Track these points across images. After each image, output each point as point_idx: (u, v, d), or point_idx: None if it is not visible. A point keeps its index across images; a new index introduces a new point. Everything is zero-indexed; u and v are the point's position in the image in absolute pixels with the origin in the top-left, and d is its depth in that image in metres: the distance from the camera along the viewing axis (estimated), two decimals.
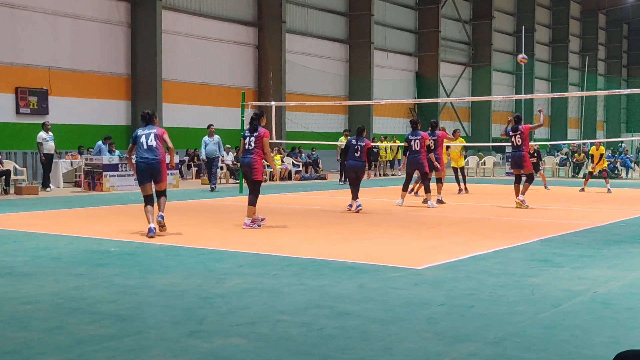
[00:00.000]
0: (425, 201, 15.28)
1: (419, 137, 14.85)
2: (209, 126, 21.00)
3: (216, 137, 20.45)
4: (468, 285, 6.66)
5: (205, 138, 20.44)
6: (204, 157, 20.59)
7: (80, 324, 5.20)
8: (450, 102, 44.85)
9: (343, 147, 15.23)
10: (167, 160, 10.29)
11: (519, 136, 14.83)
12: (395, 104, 36.04)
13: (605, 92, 28.97)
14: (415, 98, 41.01)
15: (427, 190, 14.96)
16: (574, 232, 10.79)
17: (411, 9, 43.00)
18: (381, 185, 23.17)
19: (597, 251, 8.84)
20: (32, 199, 17.10)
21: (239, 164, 19.41)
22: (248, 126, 11.26)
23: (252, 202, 10.94)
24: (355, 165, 13.88)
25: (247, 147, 11.00)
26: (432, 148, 15.53)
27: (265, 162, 11.70)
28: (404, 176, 15.48)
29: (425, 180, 15.09)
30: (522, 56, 18.58)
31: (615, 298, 6.15)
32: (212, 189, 19.71)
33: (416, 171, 15.02)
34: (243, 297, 6.10)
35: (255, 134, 10.98)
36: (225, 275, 7.11)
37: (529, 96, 26.51)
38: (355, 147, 13.83)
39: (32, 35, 23.67)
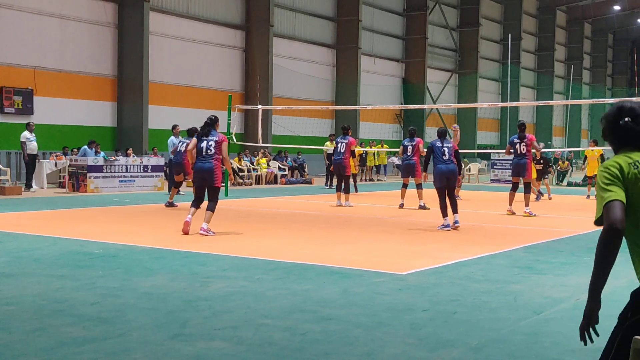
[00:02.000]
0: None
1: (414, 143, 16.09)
2: (175, 127, 18.64)
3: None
4: (451, 291, 6.69)
5: (174, 139, 17.96)
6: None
7: (62, 326, 5.17)
8: (437, 109, 45.00)
9: (330, 151, 15.57)
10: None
11: (524, 144, 14.78)
12: (381, 109, 36.14)
13: (590, 101, 29.27)
14: (401, 104, 41.12)
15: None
16: (557, 240, 10.85)
17: (399, 15, 43.15)
18: (367, 191, 23.19)
19: (580, 258, 8.90)
20: (15, 199, 16.97)
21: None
22: (200, 129, 10.97)
23: (212, 208, 10.58)
24: (337, 162, 15.79)
25: (205, 152, 10.66)
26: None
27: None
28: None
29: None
30: (455, 127, 18.63)
31: None
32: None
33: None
34: (226, 301, 6.09)
35: (215, 138, 10.72)
36: (209, 278, 7.09)
37: (514, 104, 26.72)
38: (339, 145, 15.78)
39: (18, 35, 23.52)
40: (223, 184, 13.12)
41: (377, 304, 6.09)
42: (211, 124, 10.84)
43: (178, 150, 15.80)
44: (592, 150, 21.13)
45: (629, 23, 68.61)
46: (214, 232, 10.59)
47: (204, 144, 10.71)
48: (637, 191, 2.93)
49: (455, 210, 11.90)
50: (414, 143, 16.01)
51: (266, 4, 31.86)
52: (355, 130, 37.14)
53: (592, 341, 2.97)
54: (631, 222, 2.96)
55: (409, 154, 16.10)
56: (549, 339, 5.08)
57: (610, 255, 2.93)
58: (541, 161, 20.42)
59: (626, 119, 3.15)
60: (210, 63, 30.66)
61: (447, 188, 11.85)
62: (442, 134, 12.40)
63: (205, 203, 10.83)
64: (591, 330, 3.02)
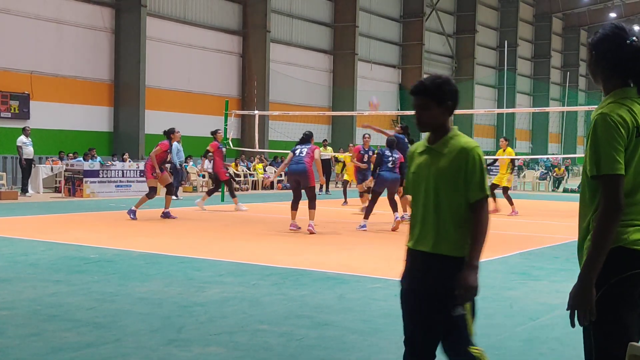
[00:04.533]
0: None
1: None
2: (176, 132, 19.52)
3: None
4: None
5: (177, 144, 18.61)
6: (178, 165, 19.90)
7: (58, 331, 5.16)
8: None
9: (326, 157, 15.21)
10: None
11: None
12: (378, 115, 36.15)
13: (586, 108, 29.34)
14: (398, 110, 41.18)
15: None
16: (552, 246, 10.87)
17: (396, 22, 43.25)
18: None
19: (575, 265, 8.83)
20: (11, 204, 16.94)
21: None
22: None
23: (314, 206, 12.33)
24: (296, 171, 12.39)
25: (297, 155, 12.32)
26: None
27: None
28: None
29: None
30: (374, 101, 17.69)
31: None
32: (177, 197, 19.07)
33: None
34: (222, 306, 6.08)
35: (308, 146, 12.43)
36: (205, 283, 7.08)
37: (510, 110, 26.72)
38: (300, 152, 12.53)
39: (15, 39, 23.50)
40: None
41: (373, 309, 6.09)
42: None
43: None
44: None
45: None
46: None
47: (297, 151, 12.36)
48: (636, 162, 2.67)
49: (395, 209, 12.71)
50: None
51: (263, 10, 31.91)
52: (351, 136, 37.18)
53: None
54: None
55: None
56: (545, 345, 5.08)
57: (613, 234, 2.66)
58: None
59: (634, 38, 2.69)
60: (207, 68, 30.67)
61: (388, 194, 12.80)
62: (390, 144, 13.09)
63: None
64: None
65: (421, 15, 43.09)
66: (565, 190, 28.81)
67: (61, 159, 22.59)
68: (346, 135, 37.06)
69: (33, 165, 20.44)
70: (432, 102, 3.31)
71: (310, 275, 7.73)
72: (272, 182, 27.01)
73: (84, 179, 19.49)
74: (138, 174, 20.79)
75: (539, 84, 60.12)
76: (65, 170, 20.18)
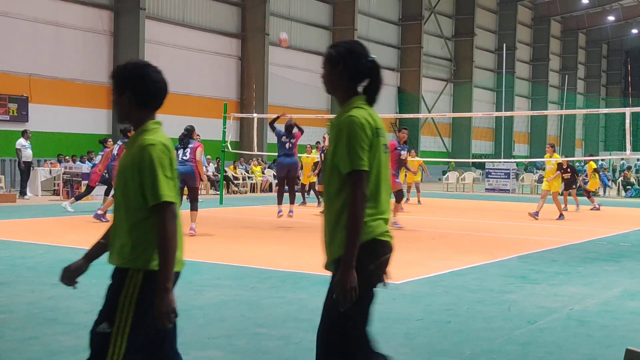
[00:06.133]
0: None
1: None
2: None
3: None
4: (445, 300, 6.69)
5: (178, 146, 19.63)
6: None
7: (56, 335, 5.15)
8: (432, 118, 45.09)
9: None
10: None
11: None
12: None
13: (585, 111, 29.39)
14: (396, 113, 41.19)
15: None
16: (551, 249, 10.87)
17: (394, 25, 43.29)
18: None
19: (574, 268, 8.92)
20: (9, 206, 16.92)
21: (219, 175, 19.32)
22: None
23: (197, 208, 11.67)
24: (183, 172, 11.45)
25: (180, 157, 11.74)
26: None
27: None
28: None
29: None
30: (284, 36, 17.42)
31: (591, 316, 6.21)
32: None
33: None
34: (221, 309, 6.08)
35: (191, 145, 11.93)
36: (203, 287, 7.08)
37: (509, 113, 26.72)
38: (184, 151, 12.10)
39: (13, 42, 23.50)
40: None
41: (371, 313, 6.08)
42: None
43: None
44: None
45: (623, 34, 68.98)
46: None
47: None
48: (377, 159, 3.00)
49: (292, 202, 12.83)
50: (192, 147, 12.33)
51: (262, 13, 31.94)
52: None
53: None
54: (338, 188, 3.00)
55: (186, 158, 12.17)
56: (543, 348, 5.08)
57: (363, 221, 2.96)
58: (568, 170, 19.48)
59: (373, 56, 3.10)
60: (206, 71, 30.69)
61: (287, 179, 13.03)
62: (288, 128, 13.25)
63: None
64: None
65: (420, 18, 43.14)
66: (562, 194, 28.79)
67: (60, 161, 22.58)
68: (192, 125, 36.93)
69: (32, 168, 20.44)
70: (115, 91, 3.09)
71: (309, 278, 7.73)
72: (270, 185, 27.02)
73: (83, 182, 19.46)
74: None
75: (538, 87, 60.19)
76: (64, 173, 20.16)
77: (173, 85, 20.02)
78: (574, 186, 20.35)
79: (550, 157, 17.01)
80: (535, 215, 15.98)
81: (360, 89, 3.15)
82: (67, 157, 22.72)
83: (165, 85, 3.14)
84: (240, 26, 32.31)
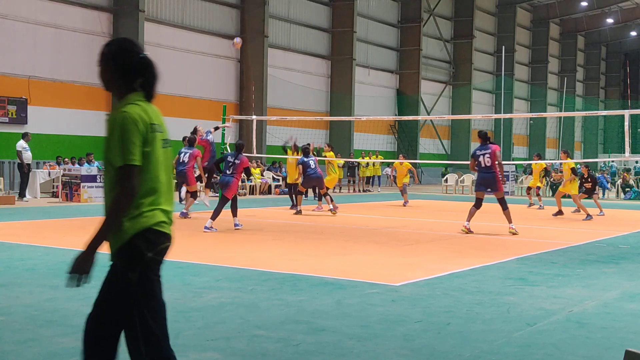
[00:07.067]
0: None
1: (489, 152, 13.15)
2: (185, 138, 20.22)
3: None
4: (445, 302, 6.69)
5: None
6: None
7: (55, 337, 5.15)
8: (431, 120, 45.12)
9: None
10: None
11: (488, 156, 13.16)
12: (376, 120, 36.22)
13: (583, 113, 29.37)
14: (396, 115, 41.22)
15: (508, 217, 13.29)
16: (549, 251, 10.87)
17: (393, 27, 43.32)
18: (360, 202, 23.22)
19: (573, 270, 8.92)
20: (8, 208, 16.91)
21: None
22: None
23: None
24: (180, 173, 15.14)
25: (181, 159, 13.26)
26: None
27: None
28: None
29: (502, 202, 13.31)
30: (237, 40, 19.26)
31: (590, 317, 6.21)
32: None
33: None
34: (220, 312, 6.08)
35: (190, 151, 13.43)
36: (202, 289, 7.07)
37: (508, 115, 26.75)
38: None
39: (13, 44, 23.51)
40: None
41: (371, 315, 6.08)
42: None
43: (180, 160, 15.51)
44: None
45: (621, 36, 69.07)
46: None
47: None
48: (154, 153, 3.13)
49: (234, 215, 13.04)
50: (489, 152, 13.13)
51: (261, 15, 31.97)
52: (349, 141, 37.20)
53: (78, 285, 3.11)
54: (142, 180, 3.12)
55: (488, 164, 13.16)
56: (542, 350, 5.08)
57: (125, 215, 3.08)
58: (589, 179, 20.21)
59: (146, 53, 3.23)
60: (205, 73, 30.70)
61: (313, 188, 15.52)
62: (239, 147, 13.62)
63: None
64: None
65: (419, 20, 43.18)
66: (563, 196, 28.79)
67: (59, 163, 22.58)
68: (344, 140, 37.10)
69: (30, 170, 20.43)
70: (100, 64, 3.28)
71: (308, 280, 7.72)
72: (269, 187, 27.03)
73: (82, 184, 19.47)
74: None
75: (537, 90, 60.24)
76: (63, 175, 20.16)
77: (172, 87, 20.47)
78: (595, 193, 20.66)
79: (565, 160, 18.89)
80: (559, 214, 18.14)
81: (139, 85, 3.25)
82: (65, 159, 22.71)
83: (149, 61, 3.30)
84: (239, 28, 32.32)
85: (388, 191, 23.43)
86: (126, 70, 3.19)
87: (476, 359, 4.84)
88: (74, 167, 21.00)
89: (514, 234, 13.12)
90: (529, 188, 22.78)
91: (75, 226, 13.21)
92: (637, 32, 66.48)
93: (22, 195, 19.61)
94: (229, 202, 12.93)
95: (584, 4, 57.70)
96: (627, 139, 16.55)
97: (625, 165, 39.84)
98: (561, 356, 4.95)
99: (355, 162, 30.12)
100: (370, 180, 31.71)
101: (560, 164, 27.01)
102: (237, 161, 13.04)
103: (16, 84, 23.61)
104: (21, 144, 19.56)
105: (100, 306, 3.20)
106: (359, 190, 30.30)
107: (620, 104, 64.38)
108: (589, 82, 71.13)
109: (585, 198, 19.91)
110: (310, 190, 21.22)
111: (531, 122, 56.25)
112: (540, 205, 21.12)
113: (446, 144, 48.56)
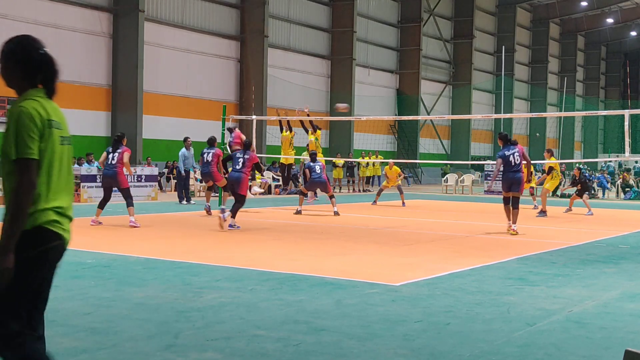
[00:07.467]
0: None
1: (517, 151, 13.61)
2: (187, 139, 20.63)
3: (192, 150, 20.44)
4: (445, 302, 6.69)
5: (185, 151, 20.17)
6: (183, 171, 20.19)
7: (54, 337, 5.14)
8: (431, 120, 45.13)
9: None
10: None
11: (517, 154, 13.60)
12: (375, 120, 36.22)
13: (583, 113, 29.43)
14: (396, 115, 41.22)
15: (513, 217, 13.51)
16: (549, 251, 10.87)
17: (393, 27, 43.33)
18: (361, 201, 23.23)
19: (573, 270, 8.92)
20: None
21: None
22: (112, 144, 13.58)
23: (132, 204, 13.15)
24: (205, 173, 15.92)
25: (110, 161, 13.23)
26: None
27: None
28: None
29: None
30: (343, 106, 20.81)
31: (590, 317, 6.20)
32: (189, 201, 19.83)
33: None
34: (219, 312, 6.08)
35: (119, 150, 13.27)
36: (202, 289, 7.07)
37: (508, 115, 26.78)
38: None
39: None
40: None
41: (371, 315, 6.08)
42: (119, 140, 13.54)
43: (205, 160, 16.17)
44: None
45: (621, 36, 69.10)
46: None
47: (110, 155, 13.41)
48: (50, 149, 3.17)
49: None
50: (517, 151, 13.69)
51: (261, 15, 31.97)
52: (349, 141, 37.22)
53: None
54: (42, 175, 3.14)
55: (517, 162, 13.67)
56: (542, 350, 5.08)
57: (28, 208, 3.08)
58: (579, 182, 20.27)
59: (45, 49, 3.25)
60: (205, 73, 30.70)
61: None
62: (246, 145, 14.09)
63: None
64: None
65: (419, 20, 43.19)
66: (562, 196, 28.82)
67: None
68: (344, 140, 37.11)
69: None
70: (1, 61, 3.28)
71: (307, 280, 7.72)
72: (269, 187, 27.02)
73: (82, 184, 19.48)
74: (135, 179, 20.77)
75: (537, 90, 60.26)
76: None
77: (172, 88, 20.41)
78: (587, 193, 20.50)
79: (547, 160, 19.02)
80: (542, 214, 17.90)
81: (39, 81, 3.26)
82: None
83: (49, 57, 3.34)
84: (239, 28, 32.33)
85: (388, 191, 23.49)
86: (26, 67, 3.20)
87: (476, 358, 4.84)
88: (73, 167, 20.98)
89: (513, 234, 13.12)
90: (532, 188, 22.82)
91: (75, 226, 13.17)
92: (637, 32, 66.51)
93: None
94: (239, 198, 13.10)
95: (584, 4, 57.71)
96: (627, 139, 16.56)
97: (625, 165, 39.83)
98: (561, 356, 4.95)
99: (355, 162, 30.14)
100: (370, 180, 31.72)
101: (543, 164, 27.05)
102: (246, 156, 13.26)
103: None
104: None
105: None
106: (359, 190, 30.30)
107: (620, 104, 64.42)
108: (589, 82, 71.15)
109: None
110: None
111: (537, 135, 56.22)
112: (535, 206, 21.14)
113: (446, 144, 48.58)
